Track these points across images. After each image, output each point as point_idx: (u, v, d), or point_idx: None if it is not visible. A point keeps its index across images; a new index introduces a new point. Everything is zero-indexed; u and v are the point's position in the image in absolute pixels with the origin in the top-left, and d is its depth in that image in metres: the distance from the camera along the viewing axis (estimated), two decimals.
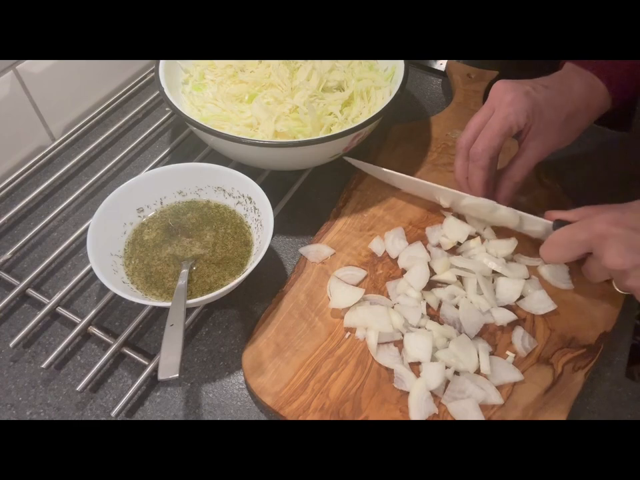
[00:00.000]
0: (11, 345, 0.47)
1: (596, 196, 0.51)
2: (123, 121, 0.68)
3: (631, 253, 0.41)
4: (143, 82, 0.74)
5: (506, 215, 0.51)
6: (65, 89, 0.66)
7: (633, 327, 0.51)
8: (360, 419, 0.43)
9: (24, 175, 0.62)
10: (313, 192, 0.62)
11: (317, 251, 0.54)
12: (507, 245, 0.53)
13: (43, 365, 0.46)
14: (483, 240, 0.55)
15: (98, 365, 0.46)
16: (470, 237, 0.55)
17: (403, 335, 0.48)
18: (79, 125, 0.67)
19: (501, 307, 0.50)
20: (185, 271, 0.48)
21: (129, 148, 0.65)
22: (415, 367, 0.46)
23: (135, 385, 0.45)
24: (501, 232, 0.55)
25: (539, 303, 0.50)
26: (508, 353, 0.47)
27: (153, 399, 0.46)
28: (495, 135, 0.48)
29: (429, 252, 0.54)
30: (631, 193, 0.46)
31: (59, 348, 0.47)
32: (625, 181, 0.61)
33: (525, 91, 0.49)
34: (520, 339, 0.48)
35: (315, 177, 0.63)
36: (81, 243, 0.56)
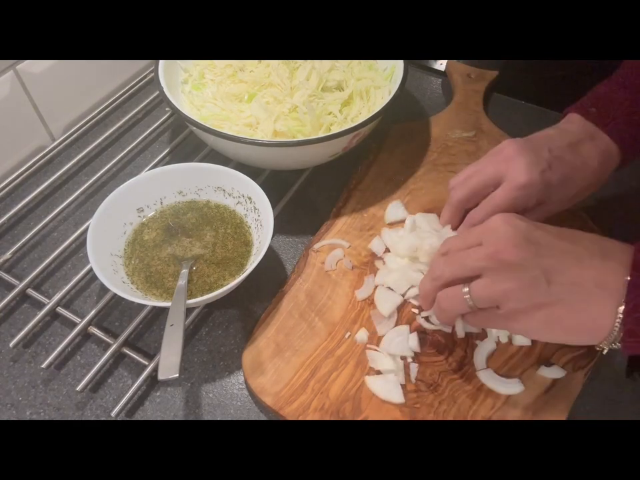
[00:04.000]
0: (11, 344, 0.47)
1: (596, 196, 0.51)
2: (123, 120, 0.68)
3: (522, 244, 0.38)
4: (143, 82, 0.74)
5: None
6: (65, 89, 0.66)
7: None
8: (360, 419, 0.43)
9: (24, 175, 0.62)
10: (312, 192, 0.62)
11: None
12: None
13: (43, 365, 0.46)
14: None
15: (98, 365, 0.46)
16: None
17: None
18: (79, 125, 0.67)
19: None
20: (184, 271, 0.48)
21: (129, 148, 0.65)
22: None
23: (135, 385, 0.45)
24: None
25: None
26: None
27: (153, 399, 0.46)
28: (497, 211, 0.46)
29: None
30: (632, 194, 0.46)
31: (59, 348, 0.47)
32: (625, 181, 0.61)
33: (541, 170, 0.46)
34: None
35: (315, 176, 0.63)
36: (81, 243, 0.56)
